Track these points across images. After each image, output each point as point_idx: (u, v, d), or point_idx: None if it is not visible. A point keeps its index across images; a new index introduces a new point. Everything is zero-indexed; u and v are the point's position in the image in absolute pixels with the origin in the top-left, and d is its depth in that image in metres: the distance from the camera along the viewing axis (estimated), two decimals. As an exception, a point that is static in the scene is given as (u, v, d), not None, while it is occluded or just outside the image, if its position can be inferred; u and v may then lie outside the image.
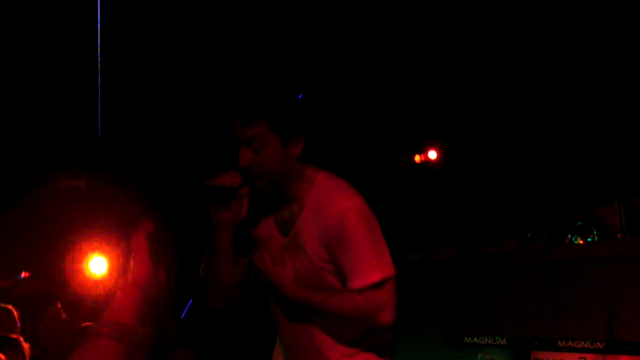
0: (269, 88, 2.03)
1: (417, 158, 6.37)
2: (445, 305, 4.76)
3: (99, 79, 4.54)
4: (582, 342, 3.95)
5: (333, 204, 1.96)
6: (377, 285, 1.91)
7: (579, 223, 4.32)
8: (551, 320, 4.12)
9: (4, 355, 2.17)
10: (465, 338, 4.50)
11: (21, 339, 2.52)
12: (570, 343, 4.00)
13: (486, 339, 4.39)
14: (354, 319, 1.97)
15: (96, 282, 5.27)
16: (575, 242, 4.29)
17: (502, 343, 4.32)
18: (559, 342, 4.05)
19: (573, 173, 4.62)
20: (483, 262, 4.72)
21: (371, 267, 1.92)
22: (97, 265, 5.41)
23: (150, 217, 1.49)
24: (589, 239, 4.26)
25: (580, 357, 3.95)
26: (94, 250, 5.39)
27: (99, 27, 4.13)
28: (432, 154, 6.21)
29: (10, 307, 3.28)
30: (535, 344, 4.15)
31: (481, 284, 4.60)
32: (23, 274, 5.08)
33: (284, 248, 2.05)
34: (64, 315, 4.19)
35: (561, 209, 4.55)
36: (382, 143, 5.71)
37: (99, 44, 4.24)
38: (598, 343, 3.88)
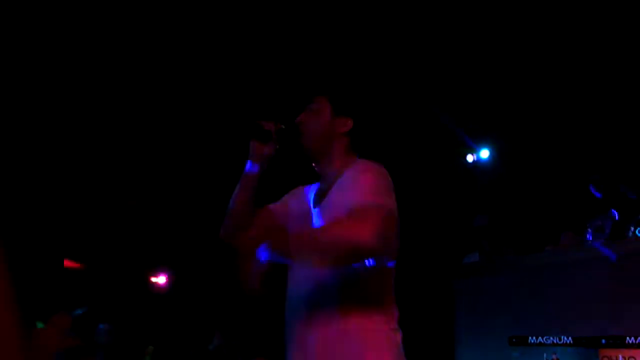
0: (335, 66, 2.29)
1: (470, 158, 6.33)
2: (507, 306, 4.68)
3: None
4: (652, 338, 3.83)
5: (354, 171, 2.09)
6: (368, 204, 1.89)
7: (642, 216, 4.20)
8: (618, 317, 4.01)
9: None
10: (530, 338, 4.42)
11: None
12: (640, 339, 3.88)
13: (551, 338, 4.30)
14: (337, 239, 1.86)
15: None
16: None
17: (568, 342, 4.23)
18: (627, 338, 3.93)
19: (633, 164, 4.50)
20: (543, 260, 4.63)
21: (368, 193, 1.93)
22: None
23: None
24: (654, 232, 4.13)
25: (651, 353, 3.82)
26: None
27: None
28: (484, 153, 6.15)
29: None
30: (603, 341, 4.04)
31: (542, 283, 4.51)
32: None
33: (311, 216, 2.17)
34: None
35: (623, 202, 4.42)
36: (433, 143, 5.69)
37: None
38: (669, 338, 3.75)
